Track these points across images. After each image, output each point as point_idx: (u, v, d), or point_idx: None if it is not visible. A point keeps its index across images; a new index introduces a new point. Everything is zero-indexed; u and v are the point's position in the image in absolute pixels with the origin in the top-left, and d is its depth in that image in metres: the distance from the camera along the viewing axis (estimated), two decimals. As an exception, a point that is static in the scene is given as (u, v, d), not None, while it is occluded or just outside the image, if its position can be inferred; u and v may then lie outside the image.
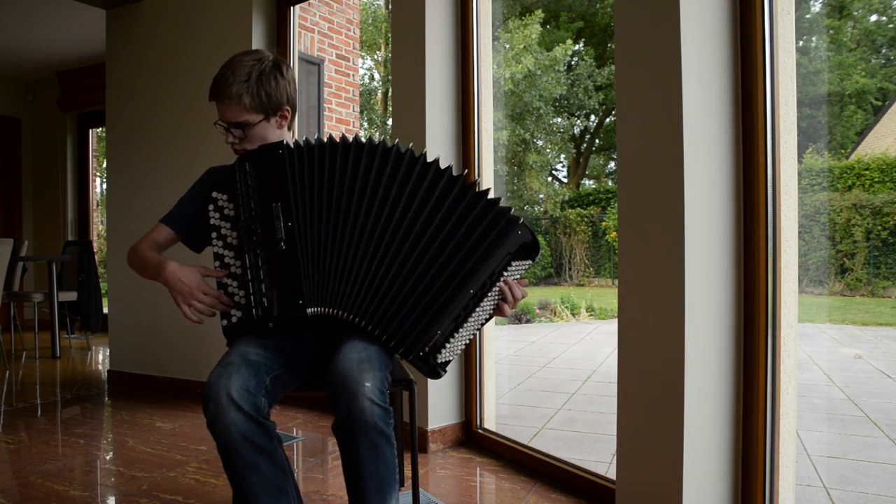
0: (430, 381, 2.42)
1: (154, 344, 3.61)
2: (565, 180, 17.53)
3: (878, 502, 2.11)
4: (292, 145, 1.43)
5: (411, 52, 2.47)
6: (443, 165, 1.42)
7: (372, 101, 15.92)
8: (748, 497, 1.62)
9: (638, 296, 1.69)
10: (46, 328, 5.60)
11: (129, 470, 2.27)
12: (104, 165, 9.29)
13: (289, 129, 1.61)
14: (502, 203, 1.38)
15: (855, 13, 10.42)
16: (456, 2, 2.52)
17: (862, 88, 10.07)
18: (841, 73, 10.01)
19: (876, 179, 7.42)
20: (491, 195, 1.40)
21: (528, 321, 7.98)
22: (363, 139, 1.43)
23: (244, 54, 1.53)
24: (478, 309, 1.38)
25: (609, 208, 12.01)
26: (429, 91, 2.43)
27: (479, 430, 2.51)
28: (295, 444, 2.61)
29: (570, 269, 12.16)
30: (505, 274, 1.38)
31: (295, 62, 3.47)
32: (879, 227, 7.00)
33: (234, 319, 1.41)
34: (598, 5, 16.59)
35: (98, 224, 7.99)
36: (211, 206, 1.43)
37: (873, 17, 10.38)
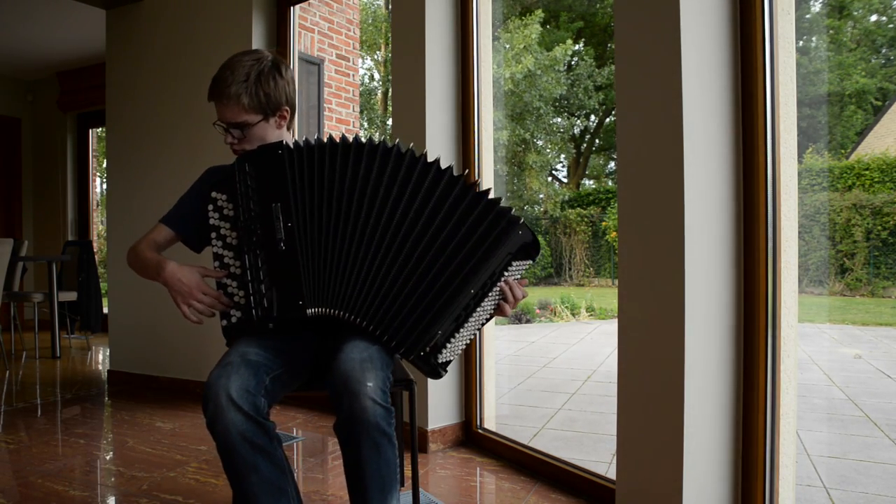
0: (430, 381, 2.42)
1: (154, 344, 3.61)
2: (565, 180, 17.54)
3: (878, 502, 2.11)
4: (292, 145, 1.43)
5: (411, 52, 2.47)
6: (443, 166, 1.41)
7: (372, 101, 15.92)
8: (748, 497, 1.62)
9: (638, 296, 1.69)
10: (46, 328, 5.60)
11: (129, 470, 2.27)
12: (104, 165, 9.29)
13: (288, 129, 1.61)
14: (502, 203, 1.38)
15: (855, 13, 10.42)
16: (456, 2, 2.52)
17: (862, 88, 10.07)
18: (841, 73, 10.01)
19: (876, 179, 7.42)
20: (491, 195, 1.40)
21: (528, 321, 7.98)
22: (363, 139, 1.43)
23: (243, 54, 1.52)
24: (478, 309, 1.38)
25: (609, 208, 12.01)
26: (429, 91, 2.43)
27: (479, 430, 2.51)
28: (295, 444, 2.61)
29: (570, 269, 12.16)
30: (506, 274, 1.39)
31: (295, 62, 3.47)
32: (879, 227, 7.00)
33: (233, 320, 1.41)
34: (598, 5, 16.59)
35: (98, 224, 7.99)
36: (210, 207, 1.43)
37: (873, 17, 10.38)
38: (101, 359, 4.81)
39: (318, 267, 1.38)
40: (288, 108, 1.56)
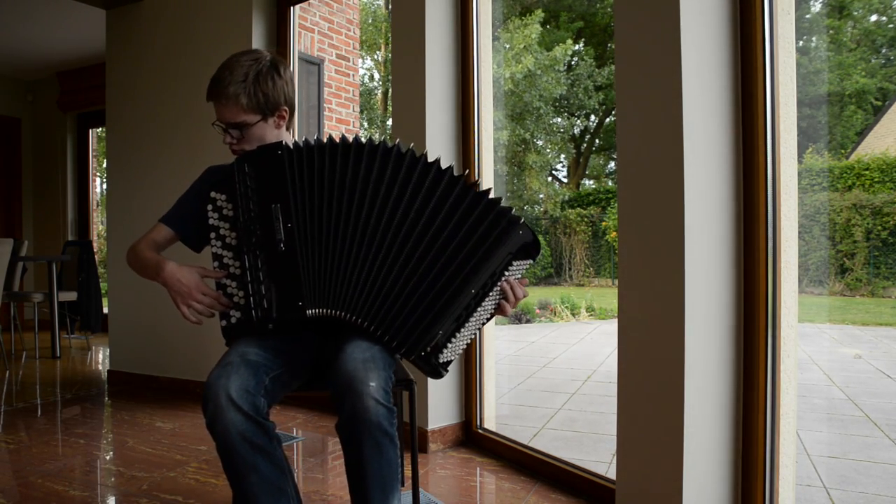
0: (430, 381, 2.42)
1: (154, 344, 3.61)
2: (565, 180, 17.54)
3: (878, 502, 2.11)
4: (291, 146, 1.42)
5: (411, 52, 2.47)
6: (443, 166, 1.41)
7: (372, 101, 15.92)
8: (748, 497, 1.62)
9: (638, 296, 1.69)
10: (46, 328, 5.60)
11: (129, 470, 2.27)
12: (104, 165, 9.29)
13: (287, 129, 1.61)
14: (503, 203, 1.38)
15: (855, 13, 10.42)
16: (456, 2, 2.52)
17: (862, 88, 10.07)
18: (841, 73, 10.01)
19: (876, 179, 7.42)
20: (491, 195, 1.40)
21: (528, 321, 7.98)
22: (363, 140, 1.42)
23: (241, 54, 1.52)
24: (479, 309, 1.38)
25: (609, 208, 12.01)
26: (429, 91, 2.43)
27: (479, 430, 2.51)
28: (295, 444, 2.61)
29: (570, 269, 12.16)
30: (506, 273, 1.39)
31: (295, 62, 3.47)
32: (879, 227, 7.00)
33: (233, 320, 1.41)
34: (598, 5, 16.59)
35: (98, 224, 7.99)
36: (209, 207, 1.43)
37: (873, 17, 10.38)
38: (101, 359, 4.81)
39: (318, 267, 1.38)
40: (287, 109, 1.55)
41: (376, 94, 16.09)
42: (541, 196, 14.13)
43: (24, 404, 3.30)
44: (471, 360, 2.53)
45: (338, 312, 1.37)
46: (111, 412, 3.15)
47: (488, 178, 2.58)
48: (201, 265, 1.47)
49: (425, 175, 1.40)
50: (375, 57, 16.19)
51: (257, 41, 3.24)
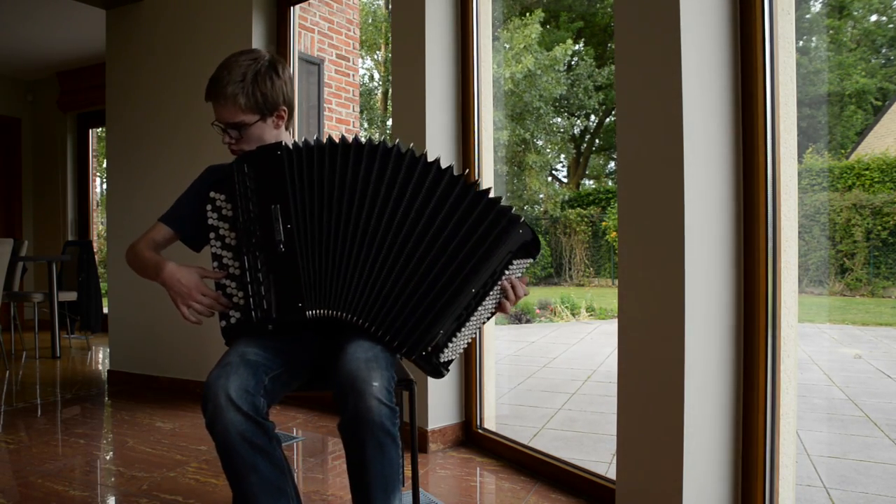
0: (430, 381, 2.42)
1: (154, 344, 3.61)
2: (565, 180, 17.54)
3: (878, 502, 2.11)
4: (291, 146, 1.42)
5: (411, 52, 2.47)
6: (443, 165, 1.41)
7: (372, 101, 15.93)
8: (748, 497, 1.62)
9: (638, 296, 1.69)
10: (46, 328, 5.60)
11: (129, 470, 2.27)
12: (104, 165, 9.29)
13: (287, 129, 1.60)
14: (502, 202, 1.38)
15: (855, 13, 10.42)
16: (456, 2, 2.52)
17: (862, 88, 10.07)
18: (841, 73, 10.01)
19: (876, 179, 7.42)
20: (492, 195, 1.40)
21: (528, 321, 7.98)
22: (363, 140, 1.42)
23: (240, 54, 1.52)
24: (480, 308, 1.38)
25: (609, 208, 12.01)
26: (429, 91, 2.43)
27: (479, 430, 2.51)
28: (295, 444, 2.61)
29: (570, 269, 12.16)
30: (507, 272, 1.39)
31: (295, 62, 3.47)
32: (879, 227, 7.00)
33: (232, 321, 1.41)
34: (598, 5, 16.59)
35: (98, 224, 7.99)
36: (209, 207, 1.43)
37: (873, 17, 10.38)
38: (101, 359, 4.81)
39: (318, 268, 1.38)
40: (286, 108, 1.55)
41: (376, 94, 16.09)
42: (541, 196, 14.13)
43: (24, 404, 3.30)
44: (471, 360, 2.53)
45: (338, 313, 1.37)
46: (111, 412, 3.15)
47: (488, 178, 2.58)
48: (201, 265, 1.47)
49: (425, 175, 1.39)
50: (375, 57, 16.19)
51: (257, 41, 3.24)
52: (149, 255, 1.51)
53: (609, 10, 15.25)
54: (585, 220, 12.15)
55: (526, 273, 1.45)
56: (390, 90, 5.36)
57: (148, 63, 3.66)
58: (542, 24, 14.57)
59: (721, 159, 1.62)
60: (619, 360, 1.74)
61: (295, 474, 2.24)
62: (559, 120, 15.16)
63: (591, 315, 8.32)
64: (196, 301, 1.42)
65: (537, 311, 8.28)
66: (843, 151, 9.26)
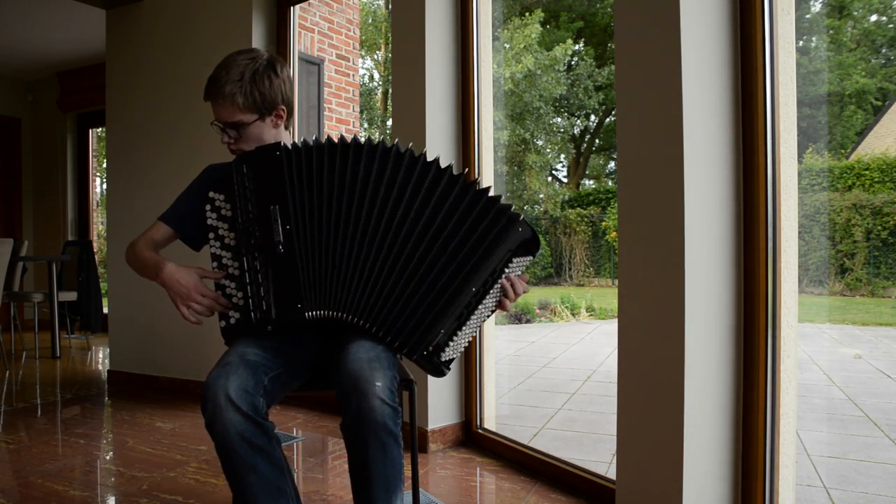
0: (430, 381, 2.42)
1: (154, 344, 3.61)
2: (565, 180, 17.54)
3: (878, 502, 2.11)
4: (290, 146, 1.42)
5: (411, 52, 2.47)
6: (443, 165, 1.41)
7: (372, 101, 15.93)
8: (748, 497, 1.62)
9: (638, 296, 1.69)
10: (46, 328, 5.60)
11: (129, 470, 2.27)
12: (104, 165, 9.29)
13: (286, 128, 1.60)
14: (502, 201, 1.38)
15: (855, 13, 10.42)
16: (456, 2, 2.52)
17: (862, 88, 10.07)
18: (841, 73, 10.01)
19: (876, 179, 7.42)
20: (491, 193, 1.40)
21: (528, 321, 7.98)
22: (362, 139, 1.42)
23: (238, 53, 1.51)
24: (480, 306, 1.38)
25: (609, 208, 12.01)
26: (429, 91, 2.43)
27: (479, 430, 2.51)
28: (295, 444, 2.61)
29: (570, 269, 12.16)
30: (506, 270, 1.39)
31: (295, 62, 3.47)
32: (879, 227, 7.00)
33: (232, 321, 1.40)
34: (598, 5, 16.59)
35: (98, 224, 7.99)
36: (208, 207, 1.43)
37: (873, 17, 10.38)
38: (101, 359, 4.81)
39: (317, 269, 1.37)
40: (284, 108, 1.54)
41: (376, 94, 16.09)
42: (541, 196, 14.13)
43: (24, 404, 3.30)
44: (471, 360, 2.53)
45: (338, 314, 1.36)
46: (111, 412, 3.15)
47: (488, 178, 2.58)
48: (200, 265, 1.47)
49: (425, 174, 1.39)
50: (375, 57, 16.19)
51: (257, 41, 3.24)
52: (148, 255, 1.50)
53: (609, 10, 15.25)
54: (585, 220, 12.15)
55: (526, 272, 1.45)
56: (390, 90, 5.36)
57: (148, 63, 3.66)
58: (542, 24, 14.57)
59: (721, 159, 1.62)
60: (619, 360, 1.74)
61: (295, 474, 2.24)
62: (559, 120, 15.16)
63: (591, 315, 8.32)
64: (195, 301, 1.42)
65: (537, 311, 8.28)
66: (843, 151, 9.26)
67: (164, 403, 3.27)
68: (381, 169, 1.39)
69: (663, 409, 1.61)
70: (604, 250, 12.01)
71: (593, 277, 12.06)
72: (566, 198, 13.85)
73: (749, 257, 1.62)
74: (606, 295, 9.76)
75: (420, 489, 1.76)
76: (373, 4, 15.79)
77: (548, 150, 15.28)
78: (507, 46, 13.80)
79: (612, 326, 6.98)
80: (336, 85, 5.54)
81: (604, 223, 11.85)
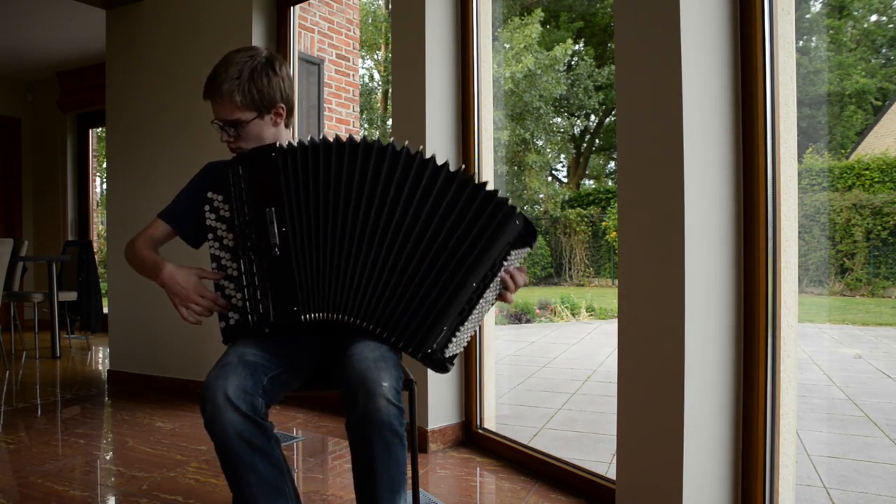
0: (429, 381, 2.42)
1: (154, 344, 3.61)
2: (565, 180, 17.54)
3: (878, 502, 2.11)
4: (286, 147, 1.41)
5: (411, 52, 2.47)
6: (440, 162, 1.41)
7: (372, 101, 15.93)
8: (748, 497, 1.62)
9: (638, 296, 1.69)
10: (46, 328, 5.60)
11: (129, 470, 2.27)
12: (104, 165, 9.29)
13: (286, 126, 1.59)
14: (498, 195, 1.38)
15: (855, 13, 10.42)
16: (456, 2, 2.52)
17: (862, 88, 10.07)
18: (841, 73, 10.01)
19: (876, 179, 7.42)
20: (489, 187, 1.39)
21: (528, 321, 7.98)
22: (358, 139, 1.41)
23: (237, 52, 1.51)
24: (481, 301, 1.38)
25: (609, 208, 12.01)
26: (429, 91, 2.43)
27: (479, 430, 2.51)
28: (295, 444, 2.61)
29: (570, 269, 12.16)
30: (505, 263, 1.38)
31: (295, 62, 3.47)
32: (879, 227, 7.00)
33: (231, 322, 1.40)
34: (598, 5, 16.59)
35: (98, 224, 7.99)
36: (207, 207, 1.42)
37: (873, 17, 10.39)
38: (101, 359, 4.81)
39: (314, 271, 1.37)
40: (283, 106, 1.53)
41: (376, 94, 16.09)
42: (541, 196, 14.13)
43: (24, 404, 3.30)
44: (471, 360, 2.53)
45: (337, 316, 1.36)
46: (111, 412, 3.15)
47: (488, 177, 2.58)
48: (200, 266, 1.47)
49: (422, 171, 1.38)
50: (375, 57, 16.19)
51: (257, 41, 3.24)
52: (147, 255, 1.50)
53: (609, 10, 15.24)
54: (585, 220, 12.15)
55: (524, 263, 1.45)
56: (390, 90, 5.36)
57: (148, 63, 3.66)
58: (542, 24, 14.56)
59: (721, 159, 1.62)
60: (619, 360, 1.74)
61: (295, 474, 2.24)
62: (559, 120, 15.16)
63: (591, 315, 8.32)
64: (194, 303, 1.42)
65: (537, 311, 8.28)
66: (843, 151, 9.26)
67: (164, 403, 3.27)
68: (376, 168, 1.38)
69: (663, 410, 1.61)
70: (604, 250, 12.00)
71: (593, 277, 12.06)
72: (566, 198, 13.85)
73: (749, 257, 1.62)
74: (606, 295, 9.76)
75: (420, 489, 1.76)
76: (373, 4, 15.79)
77: (548, 150, 15.28)
78: (507, 46, 13.79)
79: (612, 326, 6.98)
80: (336, 85, 5.54)
81: (604, 223, 11.85)
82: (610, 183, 15.83)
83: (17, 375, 4.10)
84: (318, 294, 1.37)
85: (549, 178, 16.01)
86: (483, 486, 2.15)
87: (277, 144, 1.41)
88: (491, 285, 1.38)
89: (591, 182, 17.71)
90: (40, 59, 5.95)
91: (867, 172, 7.50)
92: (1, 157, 6.49)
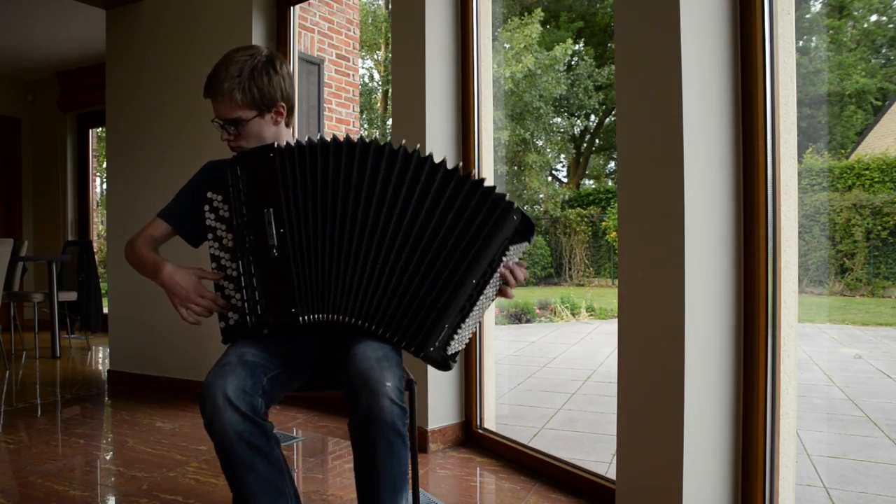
0: (430, 381, 2.42)
1: (154, 344, 3.61)
2: (565, 180, 17.54)
3: (878, 502, 2.11)
4: (284, 146, 1.40)
5: (411, 53, 2.47)
6: (437, 160, 1.40)
7: (372, 101, 15.93)
8: (748, 497, 1.62)
9: (638, 296, 1.69)
10: (46, 328, 5.60)
11: (129, 470, 2.27)
12: (104, 165, 9.29)
13: (287, 125, 1.58)
14: (496, 191, 1.38)
15: (855, 13, 10.42)
16: (456, 2, 2.52)
17: (862, 88, 10.07)
18: (841, 73, 10.02)
19: (876, 179, 7.43)
20: (487, 184, 1.39)
21: (528, 321, 7.98)
22: (354, 138, 1.41)
23: (237, 50, 1.51)
24: (481, 297, 1.38)
25: (609, 208, 12.01)
26: (429, 91, 2.43)
27: (479, 430, 2.51)
28: (295, 444, 2.61)
29: (570, 269, 12.16)
30: (504, 259, 1.38)
31: (295, 62, 3.47)
32: (879, 227, 7.00)
33: (231, 322, 1.40)
34: (598, 5, 16.59)
35: (98, 224, 7.99)
36: (206, 207, 1.42)
37: (873, 17, 10.39)
38: (101, 359, 4.81)
39: (313, 272, 1.37)
40: (284, 105, 1.53)
41: (376, 94, 16.09)
42: (541, 196, 14.13)
43: (24, 404, 3.30)
44: (471, 360, 2.53)
45: (336, 317, 1.36)
46: (111, 412, 3.15)
47: (488, 177, 2.58)
48: (199, 266, 1.47)
49: (420, 170, 1.38)
50: (375, 57, 16.19)
51: (257, 41, 3.24)
52: (147, 255, 1.50)
53: (609, 10, 15.24)
54: (585, 220, 12.15)
55: (524, 258, 1.45)
56: (390, 90, 5.36)
57: (148, 63, 3.66)
58: (542, 23, 14.56)
59: (721, 159, 1.62)
60: (619, 360, 1.74)
61: (295, 474, 2.24)
62: (559, 120, 15.16)
63: (591, 315, 8.32)
64: (194, 303, 1.41)
65: (537, 311, 8.28)
66: (843, 151, 9.26)
67: (164, 403, 3.27)
68: (375, 166, 1.38)
69: (663, 409, 1.61)
70: (604, 250, 12.01)
71: (593, 277, 12.06)
72: (566, 198, 13.85)
73: (749, 257, 1.62)
74: (606, 295, 9.76)
75: (420, 489, 1.76)
76: (373, 4, 15.79)
77: (548, 150, 15.28)
78: (507, 46, 13.79)
79: (612, 326, 6.98)
80: (336, 85, 5.54)
81: (604, 223, 11.85)
82: (610, 183, 15.84)
83: (17, 375, 4.10)
84: (317, 295, 1.36)
85: (549, 178, 16.02)
86: (483, 486, 2.15)
87: (276, 144, 1.41)
88: (491, 281, 1.38)
89: (591, 182, 17.72)
90: (40, 59, 5.95)
91: (867, 172, 7.50)
92: (1, 157, 6.49)
